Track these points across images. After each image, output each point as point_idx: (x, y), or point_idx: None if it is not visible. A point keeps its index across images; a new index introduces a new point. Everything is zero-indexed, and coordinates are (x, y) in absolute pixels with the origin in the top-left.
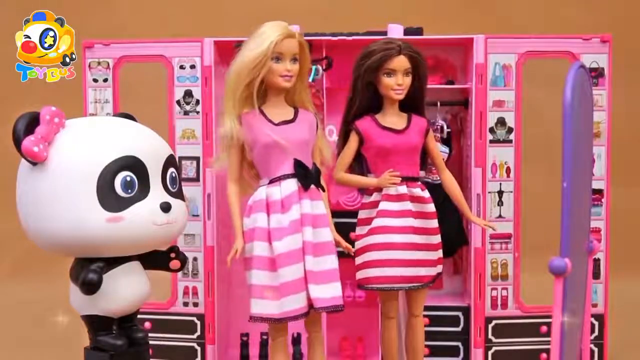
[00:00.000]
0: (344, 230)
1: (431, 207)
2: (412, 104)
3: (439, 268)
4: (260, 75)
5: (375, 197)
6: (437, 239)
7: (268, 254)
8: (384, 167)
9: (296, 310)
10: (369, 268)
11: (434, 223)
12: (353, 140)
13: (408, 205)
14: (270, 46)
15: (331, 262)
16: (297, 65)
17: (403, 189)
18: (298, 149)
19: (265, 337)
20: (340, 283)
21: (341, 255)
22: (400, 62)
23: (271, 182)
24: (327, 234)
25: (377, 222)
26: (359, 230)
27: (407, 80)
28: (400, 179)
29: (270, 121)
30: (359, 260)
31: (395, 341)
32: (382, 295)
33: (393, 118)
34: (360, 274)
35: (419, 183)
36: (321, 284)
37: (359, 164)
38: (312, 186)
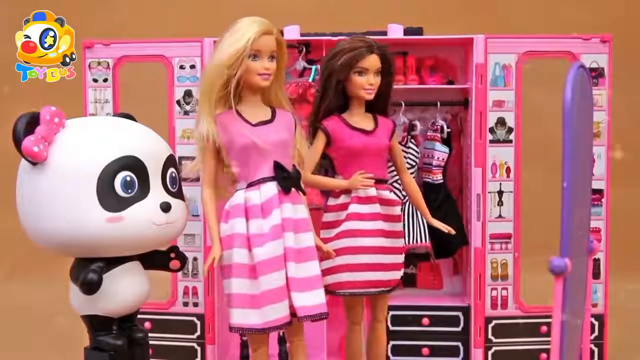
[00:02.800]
0: None
1: (397, 210)
2: (377, 105)
3: (402, 272)
4: (237, 74)
5: (343, 199)
6: (401, 242)
7: (248, 261)
8: (353, 168)
9: (279, 319)
10: (341, 273)
11: (400, 226)
12: (320, 141)
13: (377, 208)
14: (247, 43)
15: (314, 268)
16: (274, 63)
17: (372, 192)
18: (277, 151)
19: None
20: (323, 290)
21: None
22: (373, 61)
23: (250, 185)
24: (309, 238)
25: (347, 225)
26: (325, 234)
27: (378, 80)
28: (374, 180)
29: (247, 122)
30: (326, 265)
31: (360, 347)
32: (348, 301)
33: (360, 118)
34: (330, 279)
35: (387, 185)
36: (304, 292)
37: (322, 165)
38: (293, 189)
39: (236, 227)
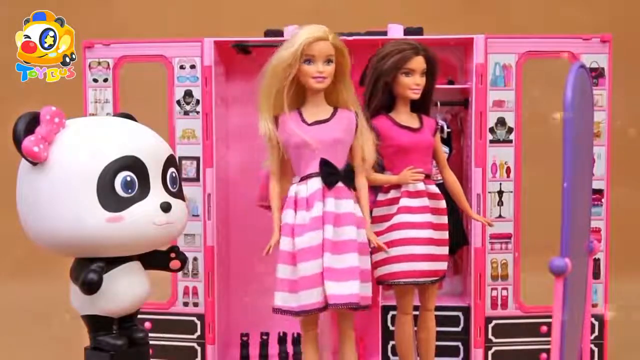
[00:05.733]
0: None
1: (444, 204)
2: (421, 104)
3: (447, 263)
4: (289, 77)
5: (393, 194)
6: (447, 234)
7: (291, 249)
8: (401, 164)
9: (312, 304)
10: (395, 263)
11: (445, 219)
12: None
13: (426, 202)
14: (299, 48)
15: (351, 260)
16: (331, 67)
17: (421, 186)
18: (328, 149)
19: (265, 337)
20: (360, 281)
21: None
22: (419, 62)
23: (301, 180)
24: (351, 232)
25: (399, 219)
26: (375, 228)
27: (423, 80)
28: (424, 175)
29: (304, 121)
30: (379, 256)
31: (412, 337)
32: (400, 291)
33: (406, 117)
34: (383, 270)
35: (433, 180)
36: (338, 281)
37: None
38: (341, 185)
39: (286, 217)
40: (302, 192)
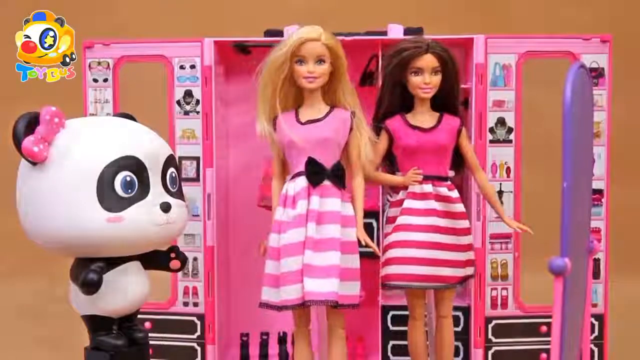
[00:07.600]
0: None
1: (459, 207)
2: (444, 103)
3: (469, 270)
4: (282, 77)
5: (401, 195)
6: (467, 239)
7: (276, 245)
8: (410, 165)
9: (291, 300)
10: (390, 265)
11: (464, 223)
12: (383, 139)
13: (433, 204)
14: (289, 49)
15: (332, 258)
16: (322, 67)
17: (428, 188)
18: (318, 148)
19: (265, 337)
20: (340, 280)
21: (367, 255)
22: (428, 60)
23: (291, 178)
24: (333, 230)
25: (401, 220)
26: (387, 228)
27: (436, 79)
28: (422, 177)
29: (298, 121)
30: (383, 257)
31: (422, 342)
32: (407, 295)
33: (423, 117)
34: (382, 272)
35: (447, 182)
36: (316, 278)
37: (390, 163)
38: (328, 183)
39: (276, 215)
40: (290, 190)
